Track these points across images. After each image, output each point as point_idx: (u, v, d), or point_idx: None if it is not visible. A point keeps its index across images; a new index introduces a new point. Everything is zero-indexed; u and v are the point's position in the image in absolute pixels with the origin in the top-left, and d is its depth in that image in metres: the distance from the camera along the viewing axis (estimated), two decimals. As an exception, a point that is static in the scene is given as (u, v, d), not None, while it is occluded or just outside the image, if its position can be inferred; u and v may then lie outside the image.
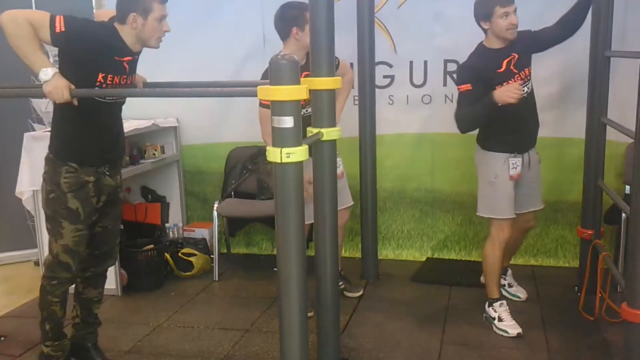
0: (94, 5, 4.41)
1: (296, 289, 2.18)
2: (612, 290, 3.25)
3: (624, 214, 3.25)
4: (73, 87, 2.42)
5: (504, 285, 3.51)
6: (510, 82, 2.94)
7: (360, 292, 3.68)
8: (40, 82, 2.41)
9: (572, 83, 3.75)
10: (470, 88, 2.92)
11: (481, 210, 3.17)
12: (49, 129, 4.07)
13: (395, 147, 4.14)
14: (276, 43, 4.18)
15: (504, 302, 3.19)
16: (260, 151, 4.28)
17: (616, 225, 3.55)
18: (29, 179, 3.74)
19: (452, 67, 3.99)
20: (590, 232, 3.41)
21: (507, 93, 2.83)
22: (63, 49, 2.46)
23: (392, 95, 4.11)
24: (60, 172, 2.60)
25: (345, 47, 3.52)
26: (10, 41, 2.35)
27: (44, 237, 3.81)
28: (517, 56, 2.99)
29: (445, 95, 4.03)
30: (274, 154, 2.08)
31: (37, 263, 4.31)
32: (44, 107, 4.12)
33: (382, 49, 3.91)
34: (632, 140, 2.56)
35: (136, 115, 4.20)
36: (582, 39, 3.23)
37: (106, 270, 2.93)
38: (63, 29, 2.36)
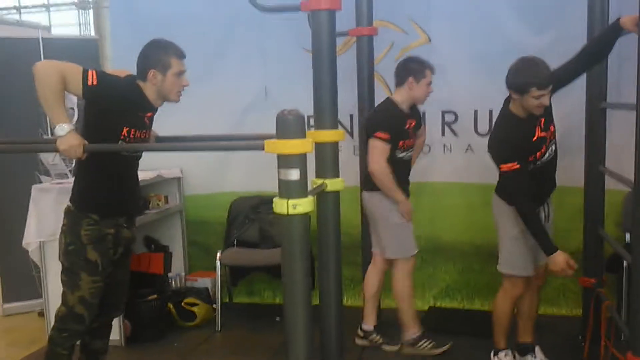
0: (99, 52, 4.54)
1: (302, 339, 2.18)
2: (616, 338, 3.25)
3: (625, 262, 3.27)
4: (86, 143, 2.47)
5: None
6: (542, 148, 2.95)
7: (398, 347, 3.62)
8: (55, 135, 2.47)
9: (569, 132, 3.81)
10: (519, 167, 2.84)
11: (501, 267, 3.13)
12: (56, 181, 4.16)
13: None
14: (277, 95, 4.32)
15: (509, 351, 3.18)
16: (262, 201, 4.35)
17: (618, 273, 3.57)
18: (36, 230, 3.80)
19: (449, 117, 4.10)
20: (592, 280, 3.43)
21: (564, 269, 2.83)
22: (92, 101, 2.54)
23: (391, 146, 4.19)
24: (80, 224, 2.64)
25: (346, 99, 3.61)
26: (39, 90, 2.41)
27: (49, 288, 3.87)
28: (544, 119, 2.97)
29: (444, 145, 4.12)
30: (281, 206, 2.12)
31: (41, 314, 4.30)
32: (51, 159, 4.19)
33: (381, 100, 4.00)
34: (630, 189, 2.61)
35: (141, 166, 4.25)
36: (577, 88, 3.29)
37: (112, 321, 2.94)
38: (95, 83, 2.44)
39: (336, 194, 2.62)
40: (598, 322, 3.26)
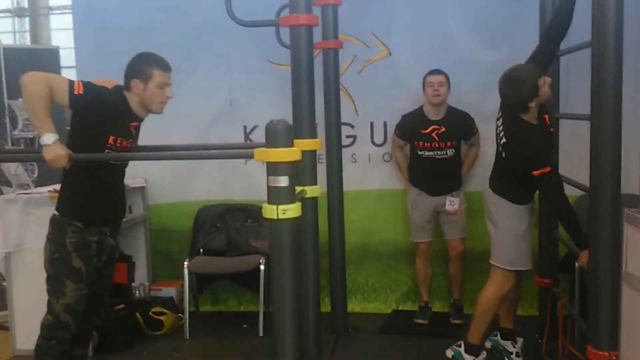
0: (60, 62, 4.51)
1: (290, 342, 2.26)
2: (571, 335, 3.45)
3: (577, 263, 3.49)
4: (72, 153, 2.51)
5: (512, 353, 3.51)
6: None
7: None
8: (41, 144, 2.49)
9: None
10: (550, 169, 2.98)
11: (506, 263, 3.21)
12: (22, 191, 4.11)
13: (359, 202, 4.33)
14: (243, 106, 4.40)
15: (485, 352, 3.37)
16: (229, 209, 4.41)
17: (570, 274, 3.79)
18: (2, 241, 3.75)
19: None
20: (547, 281, 3.64)
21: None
22: (78, 110, 2.59)
23: (354, 154, 4.34)
24: (65, 232, 2.66)
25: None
26: (26, 100, 2.46)
27: (14, 300, 3.81)
28: (547, 116, 3.17)
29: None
30: (271, 211, 2.19)
31: (2, 327, 4.22)
32: (13, 170, 4.14)
33: (344, 110, 4.11)
34: (582, 193, 2.81)
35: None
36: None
37: (92, 329, 2.95)
38: (81, 92, 2.50)
39: (314, 200, 2.74)
40: (554, 320, 3.47)
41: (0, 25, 17.13)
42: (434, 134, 3.94)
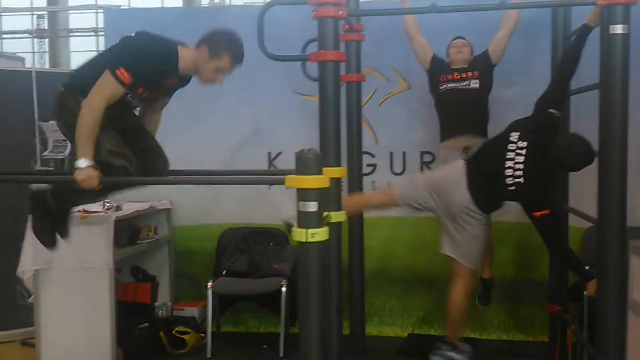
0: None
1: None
2: (580, 360, 3.58)
3: (585, 292, 3.62)
4: (102, 176, 2.62)
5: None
6: None
7: None
8: (75, 166, 2.60)
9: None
10: (549, 211, 3.14)
11: (473, 264, 3.48)
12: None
13: (378, 229, 4.48)
14: (268, 135, 4.60)
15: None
16: (252, 232, 4.58)
17: (579, 301, 3.91)
18: (32, 258, 3.88)
19: (427, 157, 4.46)
20: (558, 308, 3.77)
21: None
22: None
23: (374, 182, 4.51)
24: (69, 101, 2.75)
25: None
26: (78, 124, 2.60)
27: (42, 317, 3.91)
28: None
29: (423, 183, 4.45)
30: (300, 234, 2.35)
31: (24, 343, 4.37)
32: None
33: (365, 140, 4.28)
34: (590, 225, 2.96)
35: (133, 198, 4.46)
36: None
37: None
38: (129, 81, 2.62)
39: (338, 225, 2.90)
40: (564, 346, 3.60)
41: (20, 46, 17.31)
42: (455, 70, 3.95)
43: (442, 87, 3.97)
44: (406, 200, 3.54)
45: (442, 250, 3.54)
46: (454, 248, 3.46)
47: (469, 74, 3.93)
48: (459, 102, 3.92)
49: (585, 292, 3.39)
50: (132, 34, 2.77)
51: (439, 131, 4.09)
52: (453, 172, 3.42)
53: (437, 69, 4.02)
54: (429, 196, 3.45)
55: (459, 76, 3.93)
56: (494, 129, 4.18)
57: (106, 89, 2.62)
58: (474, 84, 3.93)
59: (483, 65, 3.96)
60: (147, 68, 2.68)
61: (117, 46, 2.78)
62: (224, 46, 2.73)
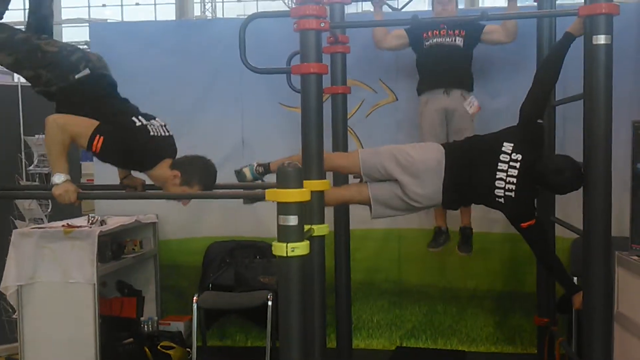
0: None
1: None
2: (568, 373, 3.55)
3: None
4: (80, 190, 2.68)
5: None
6: None
7: None
8: (52, 182, 2.65)
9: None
10: (535, 221, 3.05)
11: (373, 203, 3.38)
12: (34, 225, 4.26)
13: (365, 241, 4.46)
14: (254, 146, 4.58)
15: None
16: (238, 245, 4.54)
17: (567, 314, 3.89)
18: (16, 274, 3.85)
19: (414, 169, 4.41)
20: (546, 320, 3.75)
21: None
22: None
23: (360, 194, 4.48)
24: None
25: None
26: (45, 141, 2.66)
27: (25, 333, 3.89)
28: None
29: (410, 195, 4.42)
30: (280, 249, 2.32)
31: (8, 359, 4.31)
32: (27, 204, 4.31)
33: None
34: (577, 236, 2.94)
35: (118, 212, 4.44)
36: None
37: None
38: (97, 150, 2.68)
39: (322, 238, 2.86)
40: (552, 358, 3.57)
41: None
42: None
43: (426, 44, 3.94)
44: (368, 166, 3.35)
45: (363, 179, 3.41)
46: (376, 186, 3.35)
47: (456, 32, 3.90)
48: (443, 56, 3.88)
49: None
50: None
51: (417, 84, 4.03)
52: (432, 162, 3.18)
53: (420, 28, 3.94)
54: (391, 164, 3.26)
55: (445, 32, 3.90)
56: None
57: (78, 132, 2.67)
58: (459, 41, 3.90)
59: (473, 31, 3.92)
60: (119, 159, 2.82)
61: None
62: (197, 179, 2.86)
